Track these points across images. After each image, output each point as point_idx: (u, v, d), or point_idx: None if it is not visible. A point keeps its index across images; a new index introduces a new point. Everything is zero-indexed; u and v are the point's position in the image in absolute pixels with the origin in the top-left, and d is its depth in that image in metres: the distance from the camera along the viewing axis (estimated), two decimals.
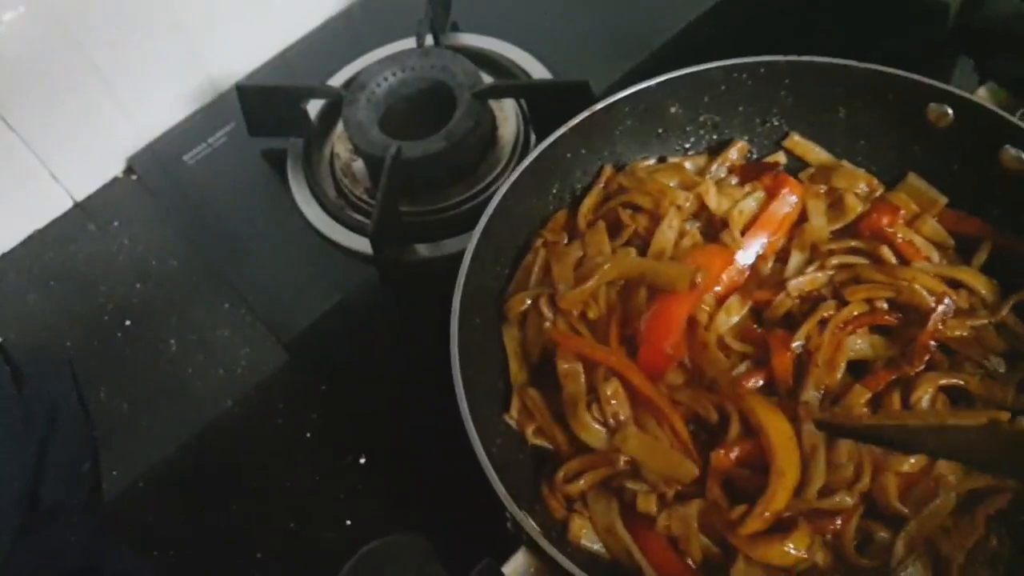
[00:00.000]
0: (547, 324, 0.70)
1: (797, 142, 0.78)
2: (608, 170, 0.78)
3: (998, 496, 0.60)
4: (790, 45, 0.75)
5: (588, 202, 0.77)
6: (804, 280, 0.70)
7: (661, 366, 0.67)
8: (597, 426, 0.65)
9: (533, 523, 0.57)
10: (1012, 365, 0.66)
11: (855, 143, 0.77)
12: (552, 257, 0.73)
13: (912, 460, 0.61)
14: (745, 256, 0.73)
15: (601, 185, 0.77)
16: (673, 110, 0.77)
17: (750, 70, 0.75)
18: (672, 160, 0.80)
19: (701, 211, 0.75)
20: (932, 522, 0.59)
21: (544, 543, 0.55)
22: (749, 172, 0.78)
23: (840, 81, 0.74)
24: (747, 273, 0.72)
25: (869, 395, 0.64)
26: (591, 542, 0.63)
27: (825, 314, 0.68)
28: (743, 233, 0.73)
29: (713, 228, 0.75)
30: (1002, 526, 0.60)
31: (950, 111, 0.71)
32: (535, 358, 0.70)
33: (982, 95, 0.73)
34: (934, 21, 0.83)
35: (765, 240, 0.73)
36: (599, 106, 0.74)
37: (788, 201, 0.74)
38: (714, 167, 0.78)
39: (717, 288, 0.71)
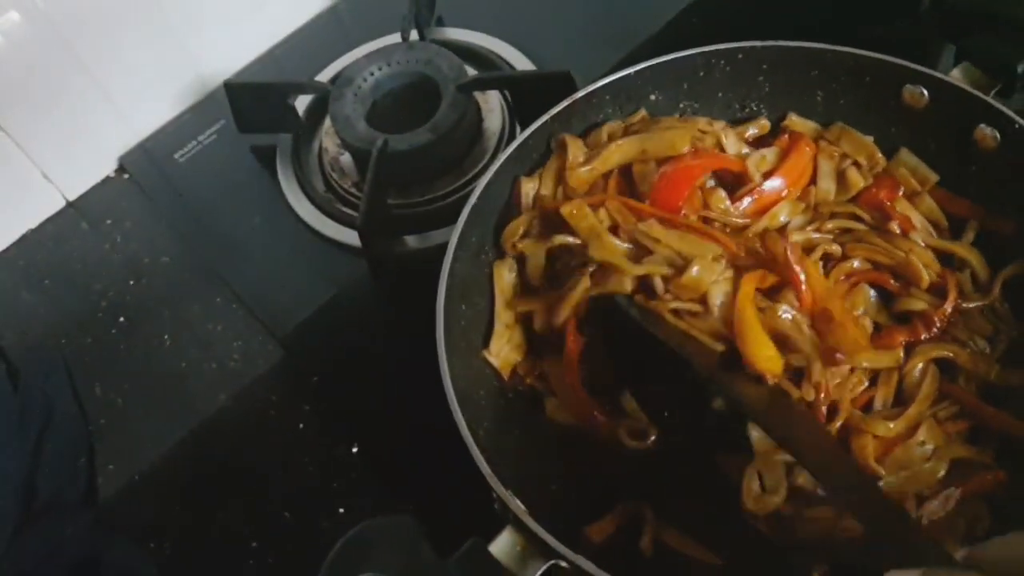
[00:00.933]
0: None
1: (795, 121, 0.79)
2: (642, 114, 0.79)
3: (978, 477, 0.61)
4: (772, 35, 0.76)
5: (607, 129, 0.77)
6: (803, 237, 0.71)
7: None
8: (619, 242, 0.69)
9: (519, 503, 0.58)
10: (993, 343, 0.67)
11: (832, 125, 0.78)
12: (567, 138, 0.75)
13: (891, 424, 0.62)
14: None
15: (626, 123, 0.78)
16: (653, 97, 0.78)
17: (728, 56, 0.76)
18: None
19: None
20: (913, 484, 0.60)
21: (529, 521, 0.56)
22: (760, 143, 0.78)
23: (817, 65, 0.75)
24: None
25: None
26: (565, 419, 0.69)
27: (828, 248, 0.69)
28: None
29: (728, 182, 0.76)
30: (982, 503, 0.61)
31: (925, 92, 0.72)
32: (536, 280, 0.72)
33: (956, 76, 0.74)
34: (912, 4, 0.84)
35: (783, 184, 0.74)
36: (580, 94, 0.75)
37: (807, 153, 0.75)
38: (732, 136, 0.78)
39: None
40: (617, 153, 0.74)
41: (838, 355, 0.63)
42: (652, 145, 0.74)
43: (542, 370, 0.71)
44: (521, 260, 0.74)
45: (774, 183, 0.74)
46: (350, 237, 0.87)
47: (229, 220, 0.93)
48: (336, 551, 0.54)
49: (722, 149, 0.75)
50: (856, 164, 0.75)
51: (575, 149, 0.75)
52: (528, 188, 0.75)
